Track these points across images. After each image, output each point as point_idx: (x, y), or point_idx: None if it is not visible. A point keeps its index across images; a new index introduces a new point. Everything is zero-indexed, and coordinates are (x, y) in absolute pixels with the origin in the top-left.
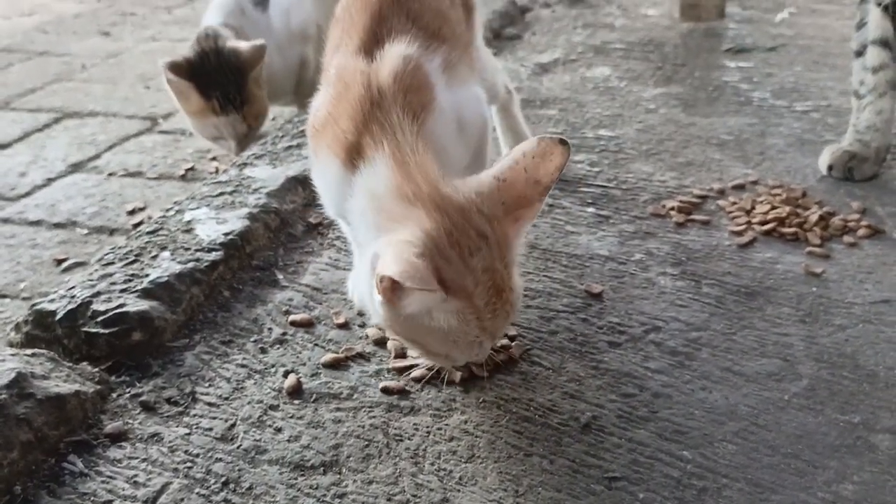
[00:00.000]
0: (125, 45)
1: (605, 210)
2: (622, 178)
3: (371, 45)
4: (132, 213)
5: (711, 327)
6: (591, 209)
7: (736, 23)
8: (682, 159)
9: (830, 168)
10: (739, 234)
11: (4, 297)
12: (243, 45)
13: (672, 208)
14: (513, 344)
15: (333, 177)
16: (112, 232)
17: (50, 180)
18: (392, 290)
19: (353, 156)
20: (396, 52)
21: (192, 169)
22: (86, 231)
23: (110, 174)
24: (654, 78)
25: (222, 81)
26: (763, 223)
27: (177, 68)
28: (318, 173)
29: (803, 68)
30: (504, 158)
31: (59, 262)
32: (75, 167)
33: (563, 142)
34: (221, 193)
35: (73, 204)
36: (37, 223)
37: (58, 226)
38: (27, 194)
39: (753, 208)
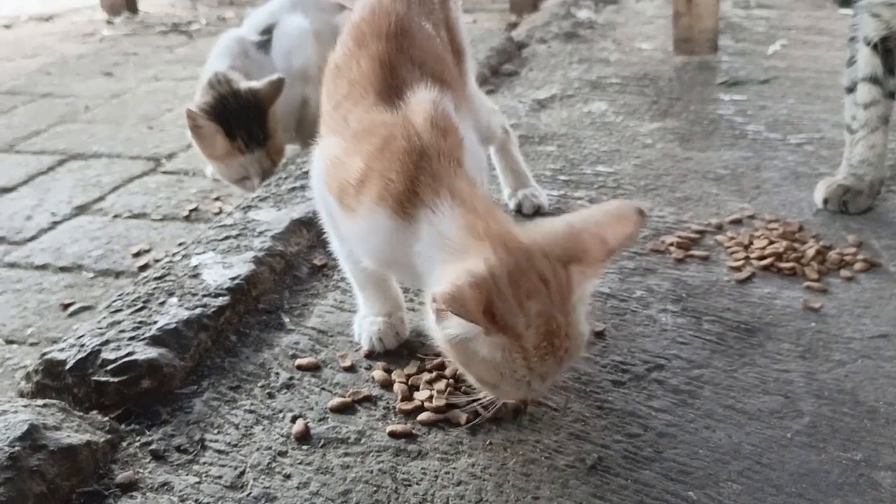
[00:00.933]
0: (128, 86)
1: None
2: None
3: (388, 95)
4: (137, 255)
5: (713, 364)
6: None
7: (729, 55)
8: (679, 194)
9: (826, 201)
10: (738, 269)
11: (12, 342)
12: (260, 83)
13: (671, 244)
14: None
15: (386, 229)
16: (118, 275)
17: (55, 223)
18: (440, 310)
19: (407, 205)
20: (424, 98)
21: (195, 209)
22: (92, 274)
23: (115, 216)
24: (650, 112)
25: (244, 120)
26: (761, 258)
27: (206, 112)
28: (361, 227)
29: (796, 100)
30: (583, 210)
31: (66, 306)
32: (80, 209)
33: (641, 212)
34: (227, 237)
35: (78, 247)
36: (43, 267)
37: (64, 269)
38: (33, 238)
39: (751, 243)
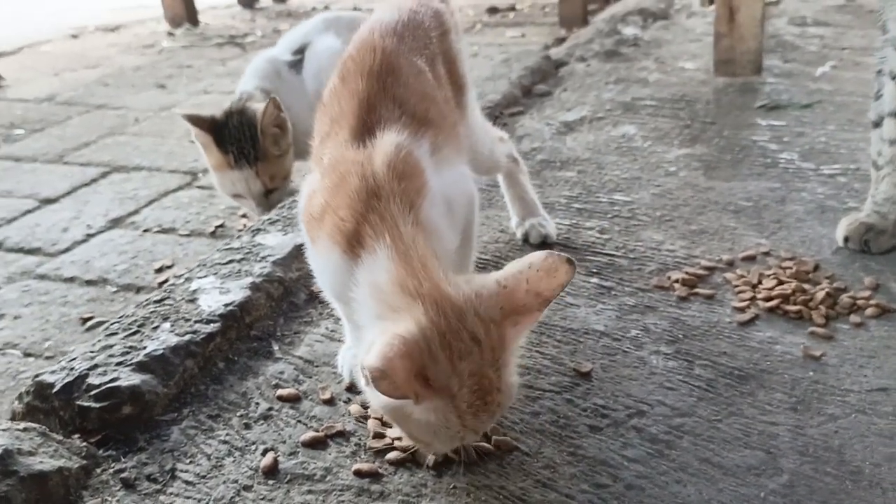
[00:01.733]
0: (178, 98)
1: (608, 281)
2: (631, 246)
3: (361, 133)
4: (160, 270)
5: (697, 413)
6: (594, 279)
7: (774, 77)
8: (695, 227)
9: (846, 240)
10: (742, 310)
11: (29, 356)
12: (258, 105)
13: (676, 280)
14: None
15: (334, 265)
16: (139, 290)
17: (89, 236)
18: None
19: (354, 245)
20: (388, 140)
21: (221, 226)
22: (114, 289)
23: (145, 230)
24: (679, 137)
25: (239, 137)
26: (767, 299)
27: (194, 119)
28: (317, 260)
29: (836, 127)
30: (510, 265)
31: (85, 320)
32: (115, 222)
33: (570, 261)
34: (231, 261)
35: (106, 261)
36: (70, 280)
37: (89, 283)
38: (66, 250)
39: (760, 283)
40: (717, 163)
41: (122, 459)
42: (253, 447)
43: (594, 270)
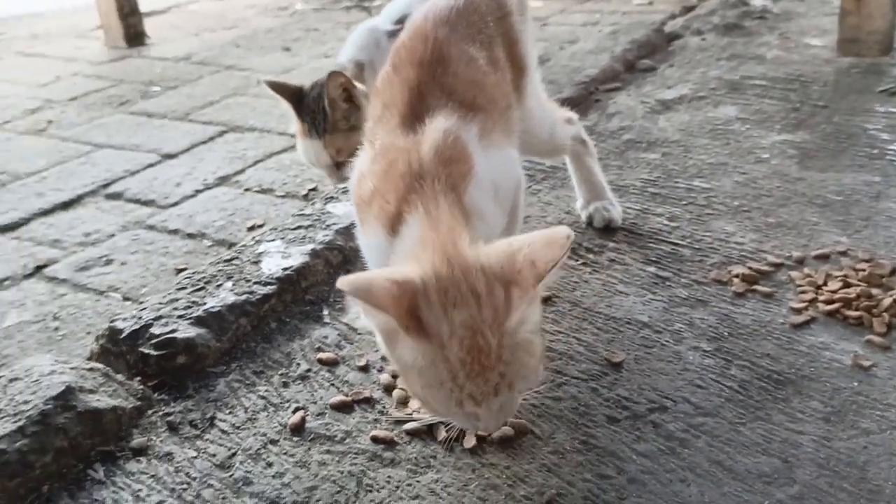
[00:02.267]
0: (300, 61)
1: (666, 271)
2: (698, 236)
3: (411, 120)
4: (252, 228)
5: (721, 414)
6: (651, 268)
7: None
8: (772, 219)
9: None
10: (798, 311)
11: (127, 300)
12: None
13: (737, 275)
14: None
15: (378, 245)
16: (230, 246)
17: (198, 192)
18: (364, 310)
19: (396, 224)
20: (436, 126)
21: (314, 189)
22: (210, 243)
23: (246, 189)
24: (783, 121)
25: (314, 108)
26: (829, 302)
27: (276, 87)
28: (365, 240)
29: None
30: (527, 234)
31: (179, 271)
32: (222, 180)
33: (568, 237)
34: (299, 227)
35: (207, 216)
36: (174, 232)
37: (189, 236)
38: (175, 204)
39: (825, 284)
40: (816, 151)
41: (172, 404)
42: (286, 405)
43: (653, 259)
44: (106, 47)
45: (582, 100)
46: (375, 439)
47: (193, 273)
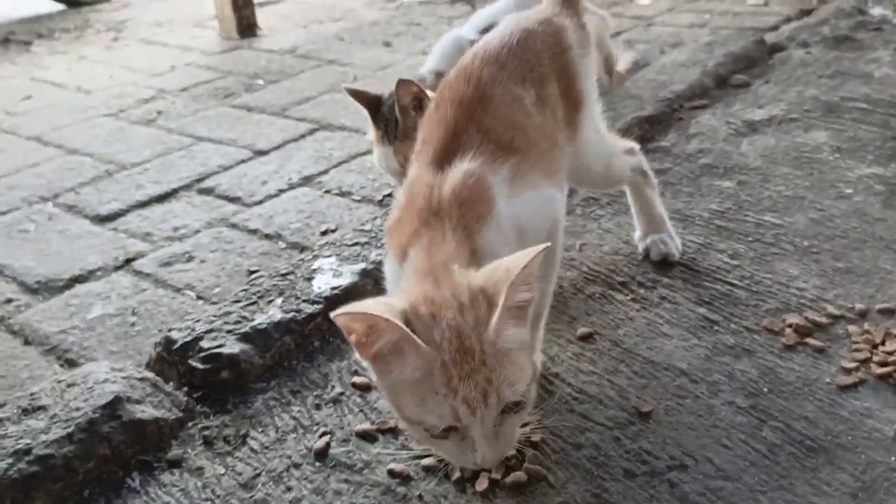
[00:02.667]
0: (398, 58)
1: (717, 314)
2: (758, 277)
3: (442, 158)
4: (324, 233)
5: (743, 479)
6: (702, 310)
7: None
8: (842, 264)
9: None
10: (848, 372)
11: (200, 298)
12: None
13: (790, 325)
14: (528, 454)
15: (393, 272)
16: (302, 249)
17: (281, 191)
18: (356, 344)
19: (405, 255)
20: (460, 168)
21: (389, 195)
22: (283, 245)
23: (326, 191)
24: (877, 152)
25: (388, 116)
26: (883, 364)
27: (354, 94)
28: (386, 265)
29: None
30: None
31: (251, 272)
32: (305, 181)
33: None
34: (356, 244)
35: (285, 217)
36: (253, 232)
37: (266, 237)
38: (259, 203)
39: (883, 342)
40: None
41: (211, 418)
42: (315, 427)
43: (706, 300)
44: (219, 38)
45: (663, 118)
46: (392, 472)
47: (247, 287)
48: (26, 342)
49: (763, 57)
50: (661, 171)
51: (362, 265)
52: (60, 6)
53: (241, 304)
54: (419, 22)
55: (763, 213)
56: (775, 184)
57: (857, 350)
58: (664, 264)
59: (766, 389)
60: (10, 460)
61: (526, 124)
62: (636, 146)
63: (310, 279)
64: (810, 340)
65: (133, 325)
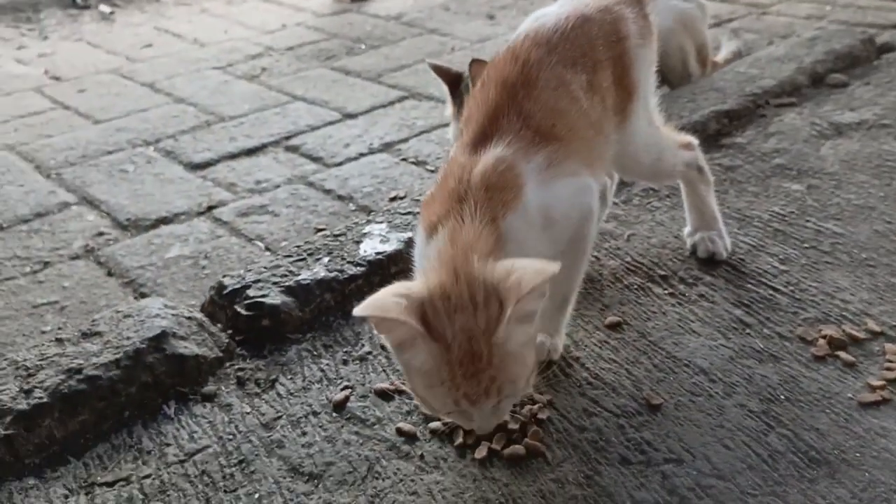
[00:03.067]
0: (499, 31)
1: (752, 317)
2: (804, 285)
3: (480, 140)
4: (393, 199)
5: (735, 481)
6: (738, 312)
7: None
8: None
9: None
10: (873, 389)
11: (268, 250)
12: None
13: (824, 336)
14: (531, 430)
15: (420, 245)
16: (370, 212)
17: (361, 155)
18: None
19: (432, 233)
20: (493, 153)
21: None
22: (353, 207)
23: (403, 159)
24: None
25: (463, 93)
26: None
27: (437, 69)
28: (416, 237)
29: None
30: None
31: (318, 230)
32: (386, 147)
33: (553, 272)
34: (409, 213)
35: (360, 181)
36: (328, 192)
37: (340, 198)
38: (339, 164)
39: None
40: None
41: (247, 360)
42: (339, 381)
43: (745, 302)
44: (332, 0)
45: (745, 113)
46: (399, 431)
47: (305, 243)
48: (109, 273)
49: (869, 56)
50: (731, 168)
51: (409, 234)
52: None
53: (292, 259)
54: None
55: (826, 221)
56: (847, 191)
57: (888, 368)
58: (710, 262)
59: (782, 397)
60: (63, 376)
61: (570, 110)
62: (694, 141)
63: (358, 242)
64: (842, 354)
65: (203, 268)
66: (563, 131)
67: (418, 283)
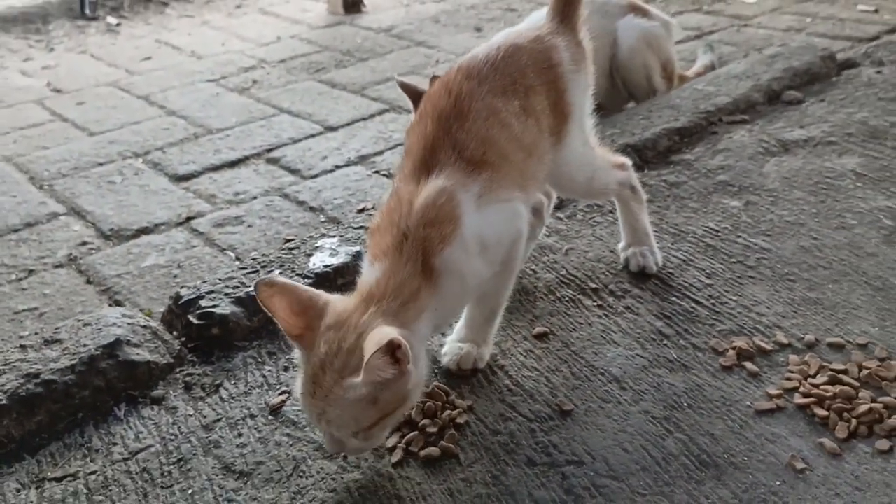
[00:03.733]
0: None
1: (672, 328)
2: (725, 299)
3: (420, 171)
4: (361, 210)
5: (629, 482)
6: (659, 323)
7: None
8: (813, 295)
9: None
10: (770, 398)
11: (238, 259)
12: None
13: (734, 347)
14: (448, 434)
15: (364, 268)
16: (338, 224)
17: (337, 167)
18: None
19: (373, 260)
20: (433, 185)
21: None
22: (323, 219)
23: (375, 171)
24: None
25: None
26: (806, 395)
27: (402, 85)
28: (364, 257)
29: None
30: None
31: (287, 241)
32: (361, 159)
33: (393, 346)
34: (361, 227)
35: (332, 193)
36: (300, 203)
37: (311, 209)
38: (314, 176)
39: (815, 375)
40: None
41: (196, 366)
42: (278, 386)
43: (667, 314)
44: (327, 12)
45: (696, 130)
46: None
47: (255, 258)
48: (88, 281)
49: (829, 73)
50: (676, 185)
51: (358, 248)
52: None
53: (245, 272)
54: (514, 7)
55: (756, 237)
56: (781, 207)
57: (787, 379)
58: (641, 276)
59: (685, 404)
60: (22, 380)
61: (500, 137)
62: (628, 162)
63: (309, 255)
64: (748, 364)
65: (175, 276)
66: (494, 158)
67: (339, 298)
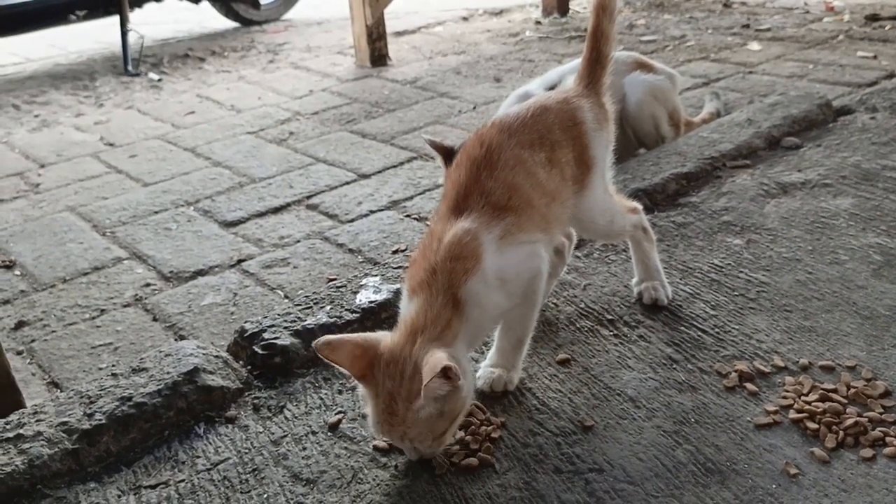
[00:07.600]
0: (503, 93)
1: (680, 354)
2: (728, 328)
3: (453, 212)
4: (395, 252)
5: (643, 486)
6: (669, 350)
7: None
8: (808, 323)
9: None
10: (767, 414)
11: (287, 298)
12: None
13: (737, 370)
14: (485, 446)
15: (403, 303)
16: (375, 264)
17: (371, 212)
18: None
19: (411, 294)
20: (461, 225)
21: None
22: (361, 259)
23: (407, 215)
24: (892, 223)
25: None
26: (799, 410)
27: (431, 143)
28: (402, 293)
29: None
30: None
31: (330, 280)
32: (393, 204)
33: (444, 374)
34: (400, 267)
35: (368, 236)
36: (340, 245)
37: (350, 251)
38: (351, 221)
39: (808, 393)
40: None
41: (262, 391)
42: (335, 407)
43: (676, 342)
44: (355, 66)
45: (702, 175)
46: (376, 447)
47: (312, 293)
48: (154, 319)
49: (826, 119)
50: (683, 225)
51: (398, 286)
52: (234, 24)
53: (301, 308)
54: (532, 59)
55: (756, 272)
56: (780, 245)
57: (783, 397)
58: (653, 308)
59: (693, 420)
60: (117, 403)
61: (525, 184)
62: (639, 206)
63: (356, 293)
64: (748, 385)
65: (232, 314)
66: (518, 203)
67: (387, 337)
